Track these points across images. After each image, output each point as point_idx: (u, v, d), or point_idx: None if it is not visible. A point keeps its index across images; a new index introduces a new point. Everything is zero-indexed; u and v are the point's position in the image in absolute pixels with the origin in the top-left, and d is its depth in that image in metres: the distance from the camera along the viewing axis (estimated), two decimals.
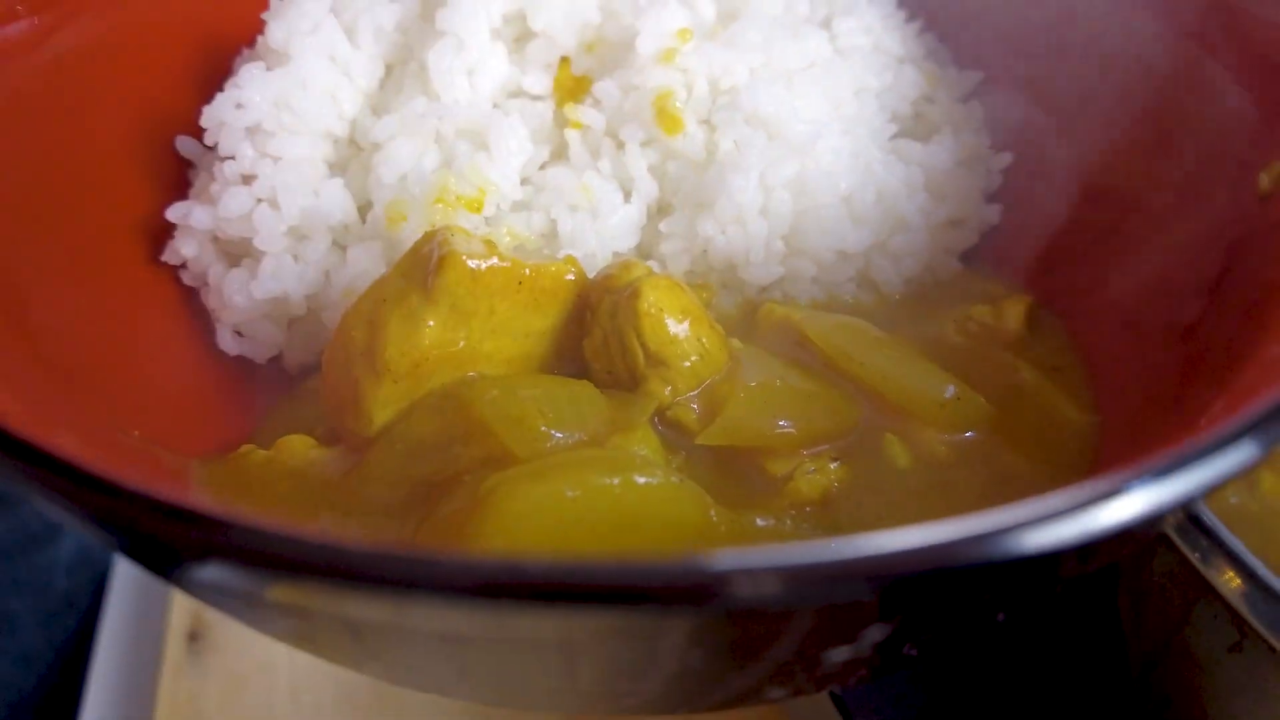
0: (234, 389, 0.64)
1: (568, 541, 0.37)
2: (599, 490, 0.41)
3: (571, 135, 0.66)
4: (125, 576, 0.99)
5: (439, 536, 0.42)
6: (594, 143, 0.66)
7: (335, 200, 0.64)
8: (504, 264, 0.53)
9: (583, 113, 0.66)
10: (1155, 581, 0.58)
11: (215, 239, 0.64)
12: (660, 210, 0.66)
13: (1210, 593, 0.49)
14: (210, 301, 0.65)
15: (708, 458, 0.51)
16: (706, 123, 0.66)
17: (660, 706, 0.33)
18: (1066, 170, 0.65)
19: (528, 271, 0.54)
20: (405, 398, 0.52)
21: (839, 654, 0.26)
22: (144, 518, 0.24)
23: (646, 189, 0.65)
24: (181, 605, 0.91)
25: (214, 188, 0.63)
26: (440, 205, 0.61)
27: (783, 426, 0.51)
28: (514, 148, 0.63)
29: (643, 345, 0.52)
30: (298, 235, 0.64)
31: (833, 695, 0.66)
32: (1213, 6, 0.56)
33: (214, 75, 0.68)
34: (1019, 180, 0.71)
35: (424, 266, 0.52)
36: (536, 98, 0.68)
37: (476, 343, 0.53)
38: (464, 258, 0.51)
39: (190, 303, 0.65)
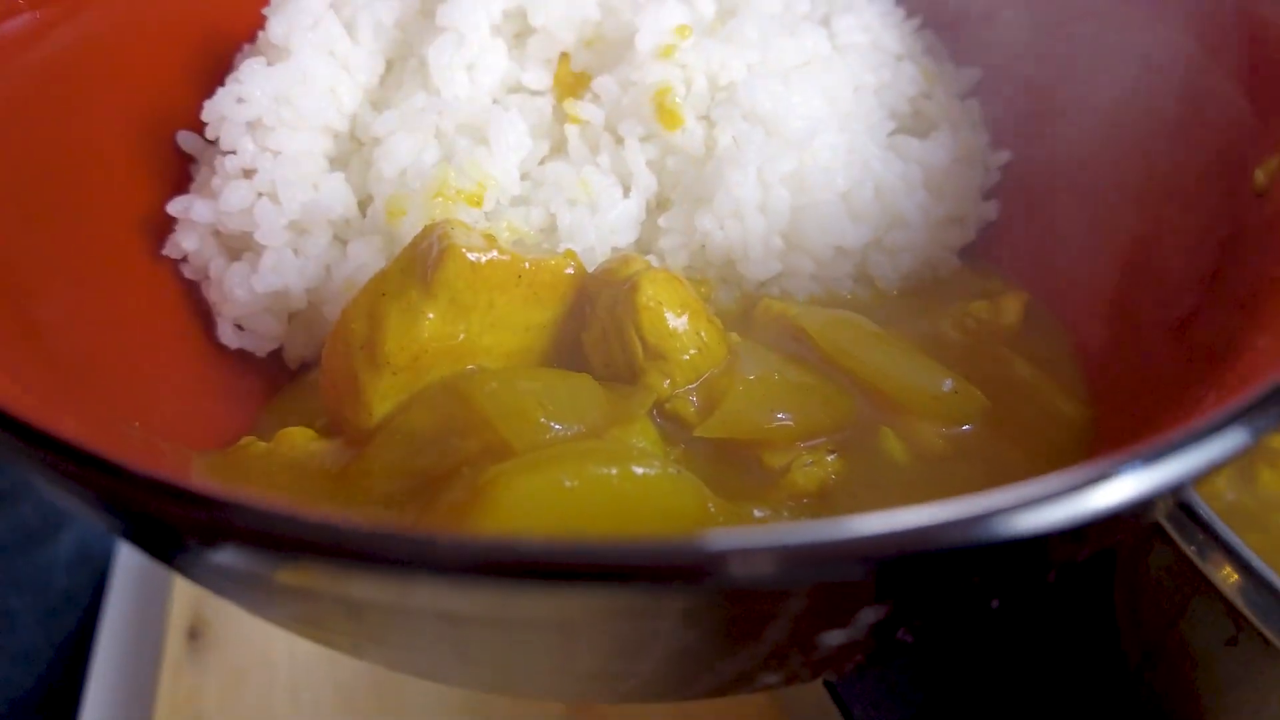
0: (235, 382, 0.64)
1: (566, 531, 0.38)
2: (597, 480, 0.42)
3: (571, 130, 0.66)
4: (125, 574, 0.99)
5: (438, 527, 0.43)
6: (593, 138, 0.66)
7: (336, 194, 0.64)
8: (503, 258, 0.53)
9: (582, 108, 0.66)
10: (1151, 576, 0.58)
11: (216, 233, 0.64)
12: (659, 205, 0.67)
13: (1206, 587, 0.50)
14: (211, 295, 0.65)
15: (706, 450, 0.51)
16: (705, 118, 0.66)
17: (656, 691, 0.34)
18: (1063, 167, 0.66)
19: (527, 265, 0.54)
20: (405, 390, 0.52)
21: (833, 637, 0.26)
22: (152, 500, 0.24)
23: (645, 184, 0.65)
24: (181, 603, 0.91)
25: (215, 182, 0.64)
26: (440, 200, 0.61)
27: (780, 419, 0.51)
28: (513, 143, 0.63)
29: (641, 339, 0.53)
30: (298, 229, 0.64)
31: (831, 692, 0.66)
32: (1210, 3, 0.56)
33: (215, 70, 0.68)
34: (1016, 177, 0.71)
35: (424, 260, 0.52)
36: (536, 93, 0.69)
37: (476, 336, 0.53)
38: (464, 251, 0.52)
39: (191, 296, 0.66)
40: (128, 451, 0.26)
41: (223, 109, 0.63)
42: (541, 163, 0.67)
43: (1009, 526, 0.22)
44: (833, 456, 0.50)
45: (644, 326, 0.52)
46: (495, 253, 0.53)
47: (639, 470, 0.43)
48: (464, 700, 0.81)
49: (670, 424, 0.52)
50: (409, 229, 0.60)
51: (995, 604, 0.30)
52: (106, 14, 0.63)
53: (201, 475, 0.50)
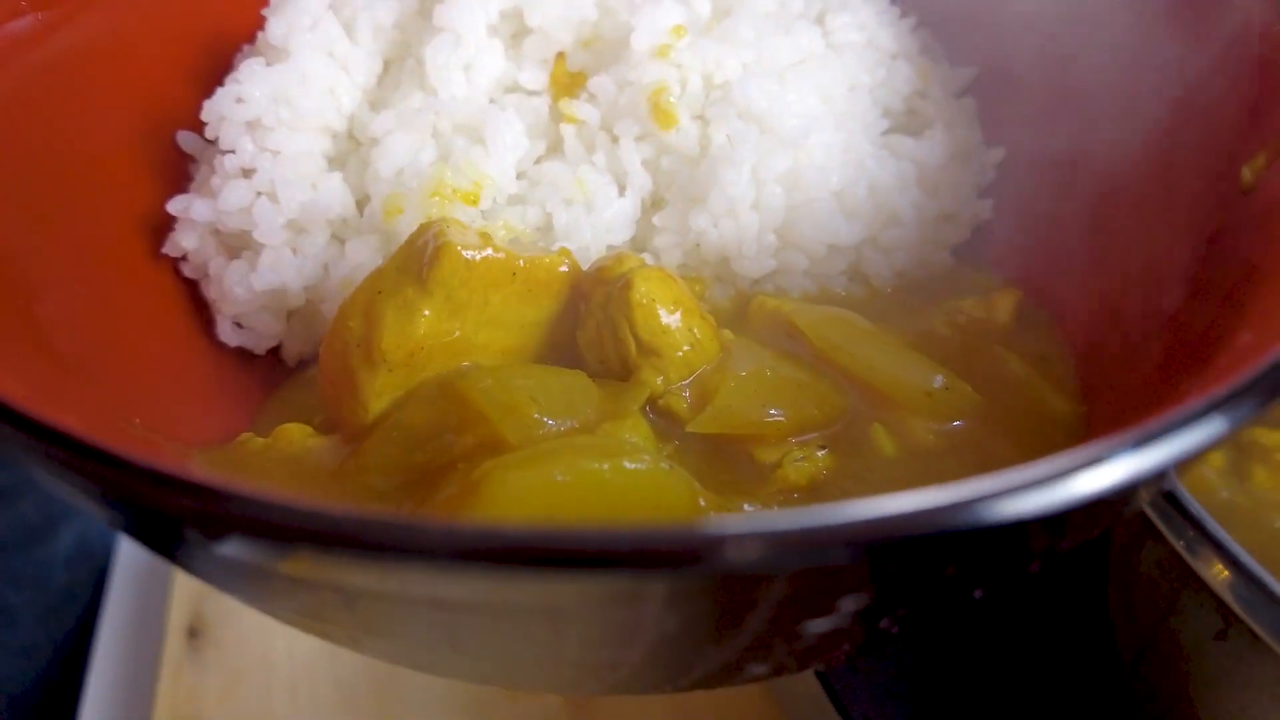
0: (233, 379, 0.64)
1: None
2: (589, 475, 0.42)
3: (567, 130, 0.67)
4: (125, 572, 0.99)
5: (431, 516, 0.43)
6: (589, 137, 0.67)
7: (333, 194, 0.65)
8: (498, 255, 0.54)
9: (578, 108, 0.67)
10: (1144, 573, 0.58)
11: (215, 232, 0.65)
12: (654, 204, 0.67)
13: (1196, 582, 0.50)
14: (210, 293, 0.65)
15: (699, 445, 0.51)
16: (700, 118, 0.66)
17: (647, 681, 0.34)
18: (1055, 165, 0.66)
19: (522, 263, 0.55)
20: (401, 387, 0.53)
21: (816, 625, 0.27)
22: (155, 492, 0.25)
23: (640, 183, 0.66)
24: (181, 601, 0.91)
25: (214, 181, 0.64)
26: (437, 199, 0.61)
27: (772, 415, 0.51)
28: (510, 142, 0.64)
29: (635, 335, 0.53)
30: (296, 228, 0.64)
31: (829, 691, 0.66)
32: (1200, 4, 0.56)
33: (215, 71, 0.69)
34: (1009, 175, 0.72)
35: (419, 258, 0.53)
36: (532, 93, 0.69)
37: (471, 333, 0.54)
38: (459, 249, 0.52)
39: (190, 294, 0.66)
40: (129, 446, 0.27)
41: (222, 109, 0.64)
42: (538, 162, 0.67)
43: (982, 513, 0.22)
44: (823, 451, 0.50)
45: (637, 323, 0.53)
46: (490, 250, 0.53)
47: (630, 465, 0.43)
48: (464, 701, 0.82)
49: (663, 420, 0.52)
50: (406, 228, 0.60)
51: (979, 594, 0.31)
52: (107, 16, 0.63)
53: (201, 470, 0.50)
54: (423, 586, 0.25)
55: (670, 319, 0.53)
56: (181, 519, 0.25)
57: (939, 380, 0.55)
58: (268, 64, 0.66)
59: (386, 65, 0.71)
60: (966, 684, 0.68)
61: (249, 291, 0.63)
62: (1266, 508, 0.63)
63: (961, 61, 0.77)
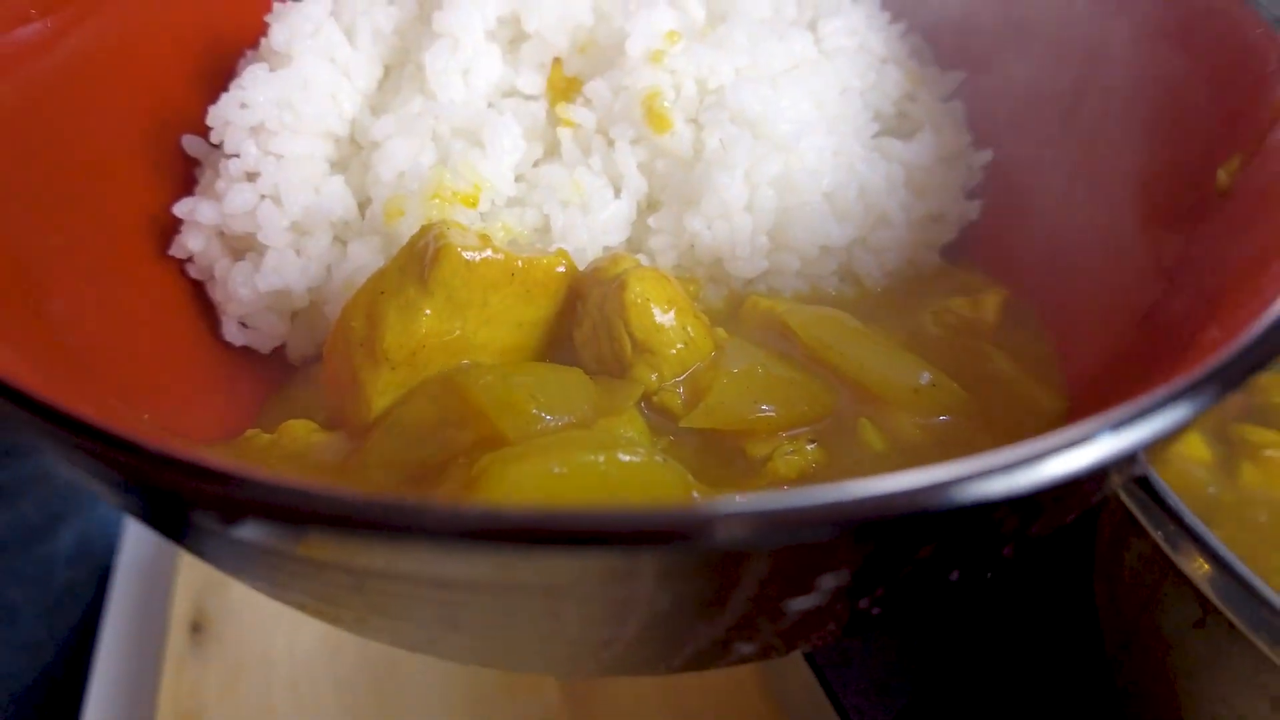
0: (239, 377, 0.66)
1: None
2: (585, 467, 0.44)
3: (564, 133, 0.68)
4: (128, 569, 1.00)
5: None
6: (585, 141, 0.68)
7: (336, 197, 0.66)
8: (497, 256, 0.55)
9: (574, 112, 0.68)
10: (1128, 567, 0.60)
11: (221, 234, 0.66)
12: (649, 206, 0.68)
13: (1176, 573, 0.51)
14: (216, 294, 0.66)
15: (692, 440, 0.53)
16: (694, 122, 0.67)
17: (638, 660, 0.35)
18: (1040, 167, 0.67)
19: (520, 264, 0.56)
20: (403, 385, 0.54)
21: (800, 603, 0.28)
22: (175, 477, 0.26)
23: (636, 185, 0.67)
24: (184, 597, 0.92)
25: (219, 184, 0.65)
26: (437, 201, 0.62)
27: (763, 411, 0.53)
28: (508, 146, 0.65)
29: (630, 334, 0.54)
30: (300, 230, 0.66)
31: (825, 686, 0.67)
32: (1178, 12, 0.58)
33: (218, 76, 0.70)
34: (997, 176, 0.73)
35: (421, 259, 0.54)
36: (530, 97, 0.70)
37: (471, 332, 0.55)
38: (459, 250, 0.53)
39: (197, 295, 0.67)
40: (146, 434, 0.28)
41: (227, 114, 0.65)
42: (535, 165, 0.68)
43: (951, 494, 0.24)
44: (813, 446, 0.52)
45: (632, 322, 0.54)
46: (490, 251, 0.54)
47: (625, 458, 0.45)
48: (462, 697, 0.83)
49: (658, 415, 0.53)
50: (407, 230, 0.61)
51: (955, 576, 0.32)
52: (112, 22, 0.64)
53: (217, 458, 0.51)
54: (430, 566, 0.26)
55: (664, 318, 0.55)
56: (200, 503, 0.26)
57: (926, 377, 0.56)
58: (271, 69, 0.67)
59: (387, 70, 0.72)
60: (958, 677, 0.69)
61: (254, 292, 0.64)
62: (1252, 504, 0.65)
63: (951, 65, 0.78)
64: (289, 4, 0.71)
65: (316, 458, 0.54)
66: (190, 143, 0.69)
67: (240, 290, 0.64)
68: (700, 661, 0.35)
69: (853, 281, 0.69)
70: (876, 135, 0.73)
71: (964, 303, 0.65)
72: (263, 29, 0.70)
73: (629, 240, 0.68)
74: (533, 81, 0.70)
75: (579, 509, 0.24)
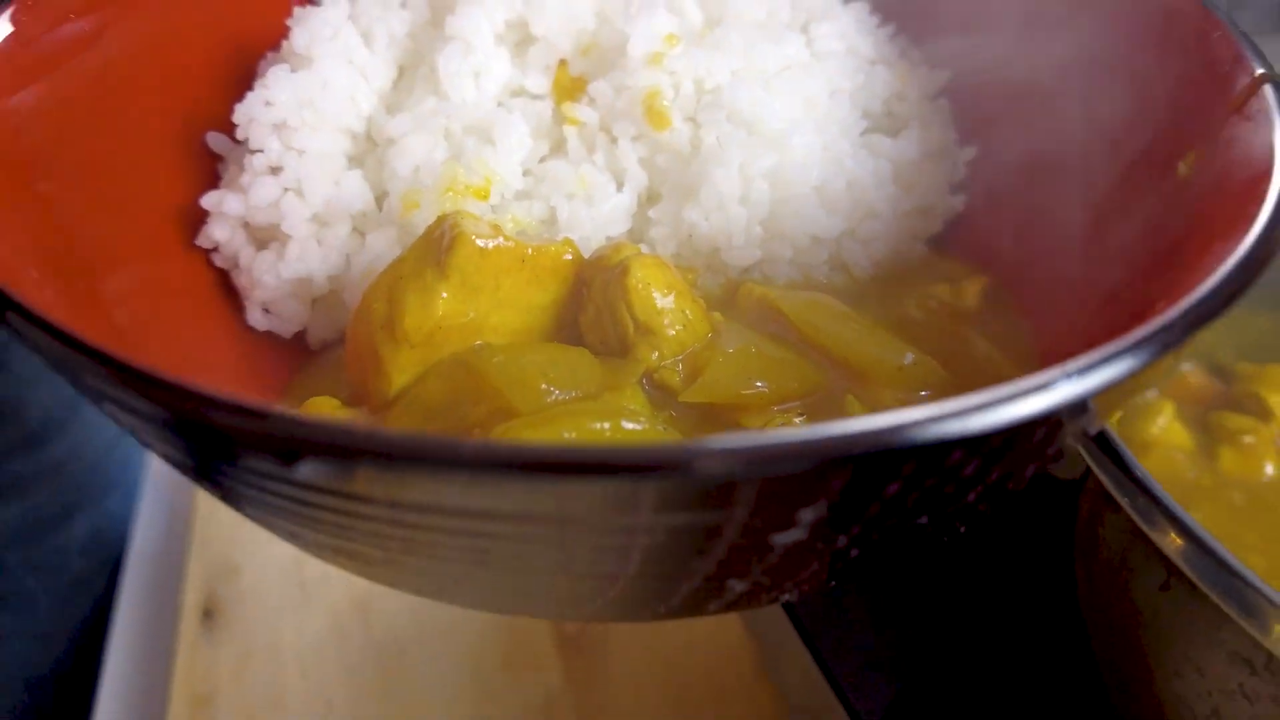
0: (262, 360, 0.68)
1: None
2: (592, 434, 0.47)
3: (569, 131, 0.71)
4: (140, 557, 1.02)
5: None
6: (589, 138, 0.71)
7: (355, 190, 0.69)
8: (509, 244, 0.58)
9: (579, 110, 0.71)
10: (1103, 539, 0.63)
11: (245, 225, 0.69)
12: (650, 199, 0.71)
13: (1143, 539, 0.55)
14: (240, 281, 0.69)
15: (690, 414, 0.56)
16: (692, 120, 0.70)
17: (638, 599, 0.39)
18: (1019, 162, 0.71)
19: (530, 251, 0.59)
20: (421, 364, 0.57)
21: (784, 537, 0.32)
22: (233, 420, 0.30)
23: (637, 179, 0.69)
24: (195, 585, 0.94)
25: (244, 178, 0.68)
26: (450, 194, 0.65)
27: (757, 387, 0.56)
28: (516, 142, 0.68)
29: (632, 316, 0.57)
30: (321, 221, 0.69)
31: (828, 680, 0.71)
32: (1143, 13, 0.61)
33: (240, 77, 0.73)
34: (979, 171, 0.76)
35: (437, 246, 0.57)
36: (537, 97, 0.73)
37: (484, 315, 0.58)
38: (473, 238, 0.57)
39: (222, 283, 0.70)
40: (204, 387, 0.32)
41: (252, 111, 0.68)
42: (542, 160, 0.71)
43: (906, 434, 0.28)
44: (801, 419, 0.55)
45: (634, 305, 0.57)
46: (501, 239, 0.58)
47: (629, 425, 0.48)
48: (466, 679, 0.85)
49: (658, 391, 0.56)
50: (422, 221, 0.64)
51: (924, 520, 0.36)
52: (144, 24, 0.67)
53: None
54: (464, 498, 0.30)
55: (664, 301, 0.58)
56: (258, 444, 0.30)
57: (909, 357, 0.59)
58: (292, 70, 0.70)
59: (401, 72, 0.75)
60: (952, 658, 0.73)
61: (277, 279, 0.67)
62: (1230, 486, 0.68)
63: (937, 65, 0.81)
64: (308, 8, 0.74)
65: None
66: (214, 139, 0.72)
67: (265, 277, 0.67)
68: (697, 600, 0.39)
69: (842, 270, 0.72)
70: (865, 132, 0.75)
71: (947, 289, 0.68)
72: (282, 32, 0.73)
73: (631, 231, 0.70)
74: (539, 82, 0.73)
75: (590, 446, 0.27)
